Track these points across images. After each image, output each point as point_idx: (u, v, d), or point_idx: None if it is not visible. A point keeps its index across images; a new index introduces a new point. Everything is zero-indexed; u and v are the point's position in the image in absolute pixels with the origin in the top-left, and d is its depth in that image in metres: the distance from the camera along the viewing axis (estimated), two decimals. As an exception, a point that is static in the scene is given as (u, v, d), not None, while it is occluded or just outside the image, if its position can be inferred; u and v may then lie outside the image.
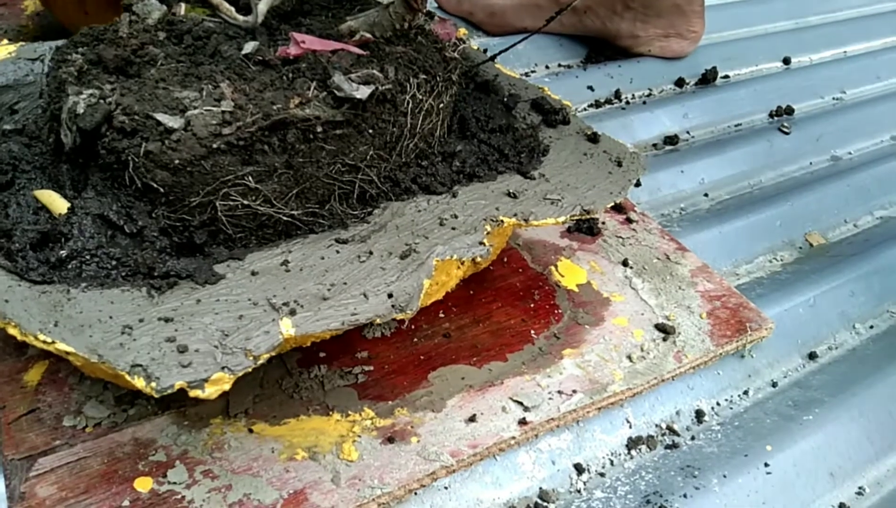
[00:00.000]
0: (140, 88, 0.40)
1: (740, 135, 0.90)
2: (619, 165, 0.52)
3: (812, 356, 0.60)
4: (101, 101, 0.39)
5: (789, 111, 0.95)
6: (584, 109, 0.89)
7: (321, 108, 0.40)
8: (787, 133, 0.89)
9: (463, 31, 0.54)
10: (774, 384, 0.57)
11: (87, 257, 0.39)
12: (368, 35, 0.45)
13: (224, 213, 0.40)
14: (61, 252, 0.38)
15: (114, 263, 0.39)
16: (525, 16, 0.98)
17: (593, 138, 0.54)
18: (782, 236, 0.74)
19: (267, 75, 0.42)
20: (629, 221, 0.66)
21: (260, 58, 0.42)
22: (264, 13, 0.41)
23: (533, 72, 0.95)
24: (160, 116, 0.38)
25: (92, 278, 0.38)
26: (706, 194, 0.79)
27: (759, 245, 0.72)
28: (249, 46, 0.43)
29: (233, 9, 0.41)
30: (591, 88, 0.92)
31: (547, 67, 0.96)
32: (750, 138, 0.88)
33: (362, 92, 0.41)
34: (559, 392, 0.48)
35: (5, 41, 0.55)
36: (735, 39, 1.09)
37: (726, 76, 1.01)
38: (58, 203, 0.41)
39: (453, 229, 0.44)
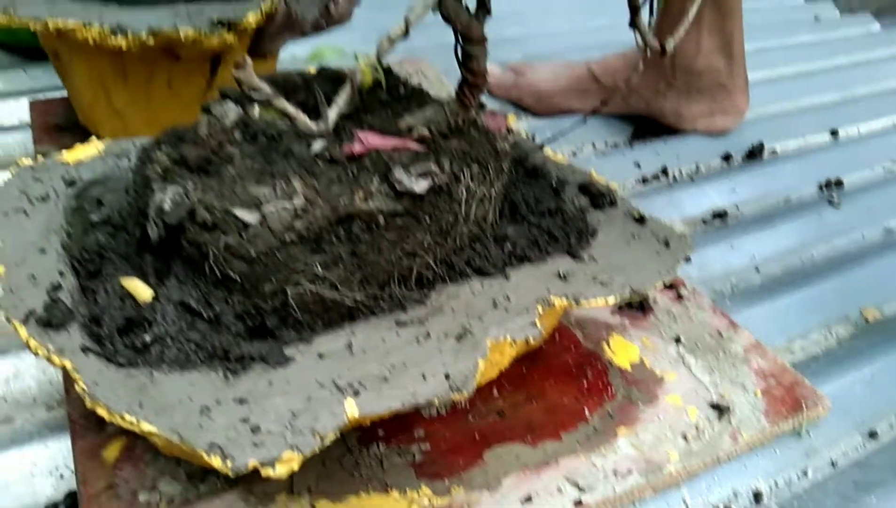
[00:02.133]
0: (219, 186, 0.44)
1: (789, 209, 0.90)
2: (667, 245, 0.54)
3: (872, 435, 0.59)
4: (185, 197, 0.43)
5: (839, 184, 0.95)
6: (632, 186, 0.92)
7: (383, 201, 0.44)
8: (837, 206, 0.89)
9: (512, 117, 0.57)
10: (834, 464, 0.56)
11: (169, 341, 0.42)
12: (425, 131, 0.49)
13: (294, 298, 0.43)
14: (146, 337, 0.41)
15: (193, 346, 0.42)
16: (571, 98, 1.02)
17: (640, 220, 0.56)
18: (837, 310, 0.73)
19: (334, 171, 0.46)
20: (680, 296, 0.67)
21: (327, 155, 0.46)
22: (335, 120, 0.44)
23: (580, 151, 0.98)
24: (238, 212, 0.41)
25: (173, 362, 0.41)
26: (757, 269, 0.79)
27: (814, 321, 0.72)
28: (318, 145, 0.47)
29: (307, 118, 0.45)
30: (637, 164, 0.94)
31: (594, 146, 0.99)
32: (799, 212, 0.88)
33: (420, 186, 0.44)
34: (614, 472, 0.49)
35: (94, 138, 0.60)
36: (781, 113, 1.10)
37: (773, 150, 1.02)
38: (142, 291, 0.44)
39: (506, 310, 0.46)
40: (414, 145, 0.48)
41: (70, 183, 0.55)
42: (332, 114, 0.44)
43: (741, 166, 0.98)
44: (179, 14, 0.64)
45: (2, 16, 0.60)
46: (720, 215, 0.87)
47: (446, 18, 0.43)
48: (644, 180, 0.92)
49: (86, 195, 0.55)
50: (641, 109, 1.00)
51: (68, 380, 0.55)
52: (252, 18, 0.64)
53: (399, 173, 0.44)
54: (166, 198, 0.42)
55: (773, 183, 0.95)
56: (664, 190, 0.90)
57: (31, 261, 0.48)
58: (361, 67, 0.41)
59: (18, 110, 0.93)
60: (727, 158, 0.99)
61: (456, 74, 0.48)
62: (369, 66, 0.41)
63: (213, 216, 0.42)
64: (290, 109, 0.44)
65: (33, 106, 0.89)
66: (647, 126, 1.01)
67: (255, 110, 0.51)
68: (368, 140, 0.47)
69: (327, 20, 0.66)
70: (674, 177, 0.94)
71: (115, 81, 0.66)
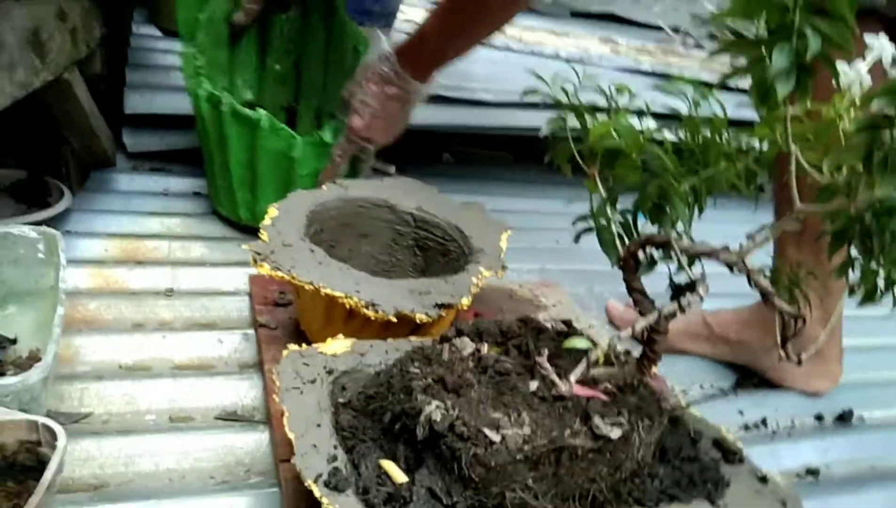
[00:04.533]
0: (468, 406, 0.61)
1: (875, 475, 1.01)
2: (784, 505, 0.67)
3: None
4: (447, 411, 0.60)
5: (923, 461, 1.06)
6: (735, 431, 1.05)
7: (585, 439, 0.60)
8: (922, 482, 1.00)
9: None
10: None
11: (420, 517, 0.57)
12: (610, 386, 0.65)
13: (509, 501, 0.58)
14: (406, 511, 0.57)
15: (435, 525, 0.57)
16: (685, 340, 1.18)
17: (763, 480, 0.70)
18: (920, 583, 0.83)
19: (545, 407, 0.62)
20: (781, 545, 0.78)
21: (541, 395, 0.63)
22: (574, 382, 0.62)
23: (689, 390, 1.12)
24: (486, 431, 0.58)
25: (423, 533, 0.56)
26: (847, 531, 0.90)
27: (899, 588, 0.81)
28: (533, 385, 0.64)
29: (557, 377, 0.63)
30: (741, 412, 1.08)
31: (701, 387, 1.14)
32: (884, 481, 0.99)
33: (615, 433, 0.60)
34: None
35: (340, 335, 0.79)
36: (871, 383, 1.23)
37: (861, 416, 1.14)
38: (396, 473, 0.61)
39: (663, 541, 0.60)
40: (602, 396, 0.64)
41: (329, 371, 0.73)
42: (573, 378, 0.61)
43: (833, 428, 1.10)
44: (414, 292, 0.85)
45: (285, 275, 0.82)
46: (813, 473, 0.99)
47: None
48: (746, 428, 1.06)
49: (336, 382, 0.73)
50: (746, 360, 1.15)
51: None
52: (466, 302, 0.85)
53: (598, 421, 0.60)
54: (436, 410, 0.60)
55: (862, 449, 1.06)
56: (764, 440, 1.03)
57: (311, 432, 0.65)
58: (598, 352, 0.59)
59: (234, 279, 1.15)
60: (820, 418, 1.12)
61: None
62: (604, 350, 0.59)
63: (469, 430, 0.58)
64: (548, 368, 0.62)
65: (253, 280, 1.12)
66: (749, 375, 1.16)
67: (485, 348, 0.69)
68: (570, 388, 0.64)
69: None
70: (773, 430, 1.07)
71: (341, 320, 0.86)
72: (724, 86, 0.61)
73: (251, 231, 1.24)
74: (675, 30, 3.26)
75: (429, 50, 1.17)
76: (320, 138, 1.16)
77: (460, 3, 1.13)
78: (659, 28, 3.27)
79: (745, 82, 0.49)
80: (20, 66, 0.91)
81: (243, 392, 0.91)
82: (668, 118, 0.65)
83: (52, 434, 0.59)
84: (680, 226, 0.58)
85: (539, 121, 0.67)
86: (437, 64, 1.21)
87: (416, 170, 1.66)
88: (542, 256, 1.46)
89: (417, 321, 0.82)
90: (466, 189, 1.66)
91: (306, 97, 1.45)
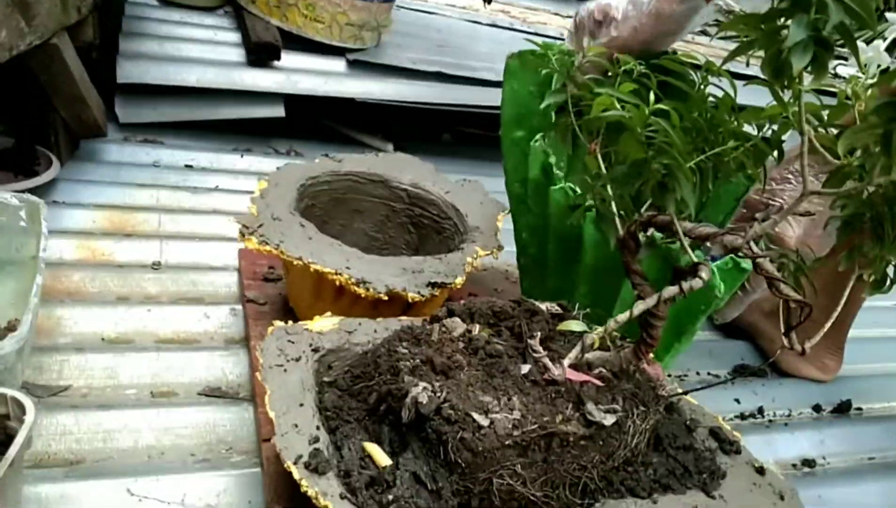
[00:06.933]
0: (457, 389, 0.59)
1: (873, 467, 0.99)
2: (782, 498, 0.65)
3: None
4: (434, 394, 0.57)
5: (921, 455, 1.04)
6: (731, 419, 1.03)
7: (577, 426, 0.57)
8: (919, 477, 0.98)
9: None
10: None
11: (403, 503, 0.55)
12: (605, 372, 0.63)
13: (496, 487, 0.56)
14: (389, 496, 0.55)
15: (419, 511, 0.55)
16: None
17: (760, 471, 0.67)
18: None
19: (536, 391, 0.60)
20: (776, 538, 0.76)
21: (532, 378, 0.61)
22: (567, 366, 0.59)
23: (686, 376, 1.10)
24: (475, 415, 0.56)
25: (404, 519, 0.54)
26: (843, 523, 0.88)
27: (894, 584, 0.79)
28: (525, 369, 0.61)
29: (550, 362, 0.60)
30: (737, 400, 1.06)
31: (697, 374, 1.12)
32: (883, 472, 0.97)
33: (608, 420, 0.57)
34: None
35: (328, 313, 0.77)
36: (872, 375, 1.21)
37: (859, 409, 1.12)
38: (380, 457, 0.58)
39: (656, 531, 0.58)
40: (596, 381, 0.62)
41: (315, 349, 0.71)
42: (566, 363, 0.59)
43: (829, 420, 1.08)
44: (406, 269, 0.82)
45: (273, 249, 0.79)
46: (809, 464, 0.97)
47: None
48: (742, 417, 1.04)
49: (322, 360, 0.71)
50: (759, 336, 1.15)
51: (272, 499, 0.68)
52: (460, 281, 0.82)
53: (591, 407, 0.58)
54: (423, 392, 0.57)
55: (859, 440, 1.04)
56: (760, 429, 1.01)
57: (293, 412, 0.63)
58: (594, 335, 0.57)
59: (224, 254, 1.13)
60: (818, 408, 1.09)
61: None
62: (600, 334, 0.56)
63: (456, 414, 0.56)
64: (540, 351, 0.59)
65: (242, 254, 1.09)
66: (744, 368, 1.14)
67: (476, 328, 0.67)
68: (563, 372, 0.61)
69: None
70: (770, 419, 1.05)
71: (331, 297, 0.84)
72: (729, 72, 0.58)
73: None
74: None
75: None
76: None
77: None
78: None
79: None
80: (4, 27, 0.87)
81: (229, 368, 0.89)
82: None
83: (21, 408, 0.56)
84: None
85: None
86: None
87: (415, 149, 1.62)
88: (539, 238, 1.43)
89: (409, 299, 0.79)
90: (465, 169, 1.63)
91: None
